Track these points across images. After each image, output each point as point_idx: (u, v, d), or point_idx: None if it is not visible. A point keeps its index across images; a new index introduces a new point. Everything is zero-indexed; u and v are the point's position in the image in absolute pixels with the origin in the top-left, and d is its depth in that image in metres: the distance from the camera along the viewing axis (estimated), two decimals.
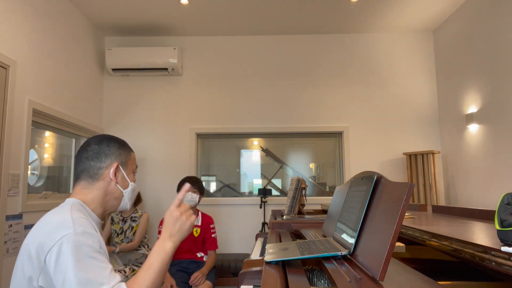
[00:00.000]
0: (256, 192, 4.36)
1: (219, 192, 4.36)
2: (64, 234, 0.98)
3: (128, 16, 3.91)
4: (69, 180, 3.83)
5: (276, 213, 2.98)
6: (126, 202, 1.26)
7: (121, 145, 1.26)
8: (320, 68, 4.33)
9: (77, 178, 1.21)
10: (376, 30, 4.28)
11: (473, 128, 3.52)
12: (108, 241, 3.49)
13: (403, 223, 1.29)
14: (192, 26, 4.14)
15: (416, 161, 3.91)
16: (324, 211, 2.88)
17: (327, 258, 0.99)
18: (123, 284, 0.98)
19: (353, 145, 4.23)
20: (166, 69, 4.15)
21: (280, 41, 4.39)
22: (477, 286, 0.92)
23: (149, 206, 4.19)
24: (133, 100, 4.33)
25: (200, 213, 3.11)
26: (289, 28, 4.21)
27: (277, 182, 4.38)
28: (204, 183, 4.36)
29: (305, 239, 1.51)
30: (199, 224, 3.05)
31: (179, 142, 4.27)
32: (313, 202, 4.17)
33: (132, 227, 3.30)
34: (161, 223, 3.04)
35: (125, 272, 3.02)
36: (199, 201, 3.00)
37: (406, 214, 1.75)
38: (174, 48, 4.10)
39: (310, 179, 4.35)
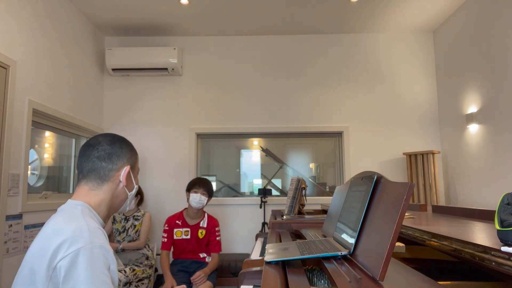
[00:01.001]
0: (256, 192, 4.36)
1: (219, 192, 4.36)
2: (81, 246, 0.95)
3: (128, 16, 3.91)
4: (69, 180, 3.83)
5: (276, 213, 2.98)
6: (127, 204, 1.25)
7: (132, 148, 1.25)
8: (320, 68, 4.33)
9: (83, 177, 1.15)
10: (376, 30, 4.28)
11: (473, 128, 3.52)
12: (109, 240, 3.49)
13: (403, 223, 1.29)
14: (192, 26, 4.15)
15: (416, 161, 3.91)
16: (324, 211, 2.88)
17: (327, 258, 0.99)
18: None
19: (353, 145, 4.23)
20: (166, 69, 4.15)
21: (280, 41, 4.39)
22: (477, 286, 0.92)
23: (149, 206, 4.19)
24: (133, 100, 4.33)
25: (206, 215, 3.11)
26: (289, 28, 4.21)
27: (277, 182, 4.38)
28: None
29: (305, 239, 1.51)
30: (205, 226, 3.05)
31: (179, 142, 4.27)
32: (313, 202, 4.17)
33: (135, 226, 3.30)
34: (167, 222, 3.04)
35: (125, 272, 3.02)
36: (206, 203, 3.01)
37: (406, 214, 1.75)
38: (174, 48, 4.11)
39: (310, 179, 4.35)
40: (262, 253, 1.87)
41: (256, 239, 2.55)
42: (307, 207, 4.08)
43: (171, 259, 3.17)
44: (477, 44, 3.45)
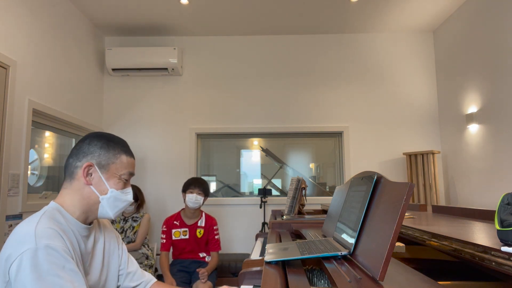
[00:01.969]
0: (256, 192, 4.36)
1: (219, 192, 4.36)
2: (25, 249, 0.92)
3: (128, 16, 3.91)
4: None
5: (276, 213, 2.98)
6: (107, 211, 1.13)
7: (107, 145, 1.14)
8: (320, 68, 4.33)
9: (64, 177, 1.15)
10: (376, 30, 4.28)
11: (473, 128, 3.52)
12: None
13: (403, 223, 1.29)
14: (192, 26, 4.14)
15: (416, 161, 3.91)
16: (324, 211, 2.88)
17: (327, 258, 0.99)
18: None
19: (353, 145, 4.23)
20: (166, 69, 4.15)
21: (280, 41, 4.39)
22: (477, 286, 0.92)
23: (149, 206, 4.19)
24: (133, 100, 4.33)
25: (203, 214, 3.10)
26: (289, 28, 4.21)
27: (277, 182, 4.38)
28: None
29: (305, 239, 1.51)
30: (203, 225, 3.05)
31: (179, 142, 4.27)
32: (313, 202, 4.17)
33: (133, 227, 3.30)
34: (165, 223, 3.04)
35: None
36: (203, 202, 3.00)
37: (406, 214, 1.75)
38: (174, 48, 4.11)
39: (310, 179, 4.35)
40: (262, 253, 1.87)
41: (256, 239, 2.55)
42: (307, 207, 4.08)
43: (171, 259, 3.16)
44: (477, 44, 3.45)
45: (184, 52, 4.38)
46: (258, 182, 4.39)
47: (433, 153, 3.77)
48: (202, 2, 3.65)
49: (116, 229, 3.32)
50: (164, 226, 3.03)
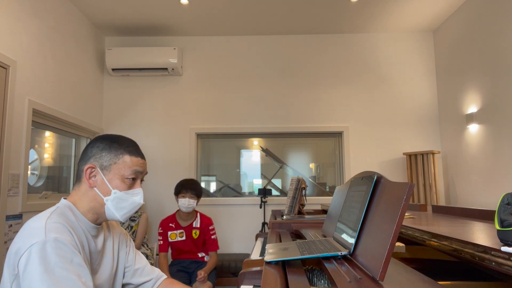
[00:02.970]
0: (256, 192, 4.35)
1: (219, 192, 4.36)
2: (34, 242, 0.93)
3: (128, 16, 3.91)
4: (69, 180, 3.83)
5: (276, 213, 2.98)
6: (113, 212, 1.12)
7: (109, 147, 1.13)
8: (320, 68, 4.33)
9: None
10: (376, 30, 4.28)
11: (473, 128, 3.52)
12: None
13: (403, 223, 1.29)
14: (192, 26, 4.15)
15: (416, 161, 3.91)
16: (324, 211, 2.88)
17: (327, 258, 0.99)
18: None
19: (353, 145, 4.23)
20: (166, 69, 4.15)
21: (280, 41, 4.39)
22: (477, 286, 0.92)
23: (149, 206, 4.19)
24: (133, 100, 4.33)
25: (198, 215, 3.09)
26: (289, 28, 4.21)
27: (277, 182, 4.38)
28: (204, 183, 4.37)
29: (305, 239, 1.51)
30: (198, 226, 3.04)
31: (179, 142, 4.27)
32: (313, 202, 4.17)
33: (131, 227, 3.30)
34: (160, 225, 3.04)
35: None
36: (196, 204, 2.99)
37: (406, 214, 1.75)
38: (174, 48, 4.11)
39: (310, 179, 4.35)
40: (262, 253, 1.86)
41: (256, 239, 2.55)
42: (307, 207, 4.08)
43: (170, 259, 3.16)
44: (477, 44, 3.45)
45: (184, 52, 4.38)
46: (258, 182, 4.39)
47: (433, 153, 3.77)
48: (202, 2, 3.65)
49: None
50: (160, 228, 3.03)
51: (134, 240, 3.29)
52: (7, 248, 2.68)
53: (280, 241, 1.60)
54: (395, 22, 4.08)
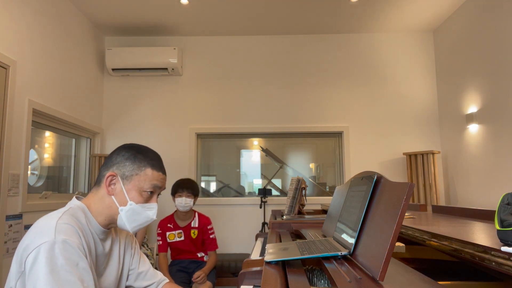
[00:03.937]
0: (256, 192, 4.35)
1: (219, 192, 4.36)
2: (43, 242, 0.94)
3: (128, 16, 3.91)
4: (69, 180, 3.83)
5: (276, 213, 2.98)
6: (125, 223, 1.12)
7: (134, 157, 1.14)
8: (320, 68, 4.33)
9: None
10: (376, 30, 4.28)
11: (473, 128, 3.52)
12: None
13: (403, 223, 1.29)
14: (192, 26, 4.14)
15: (416, 161, 3.91)
16: (324, 211, 2.88)
17: (327, 258, 0.99)
18: None
19: (353, 145, 4.23)
20: (166, 69, 4.15)
21: (280, 41, 4.39)
22: (477, 286, 0.92)
23: None
24: (133, 100, 4.33)
25: (196, 214, 3.09)
26: (289, 28, 4.21)
27: (277, 182, 4.38)
28: (204, 183, 4.37)
29: (305, 239, 1.51)
30: (196, 226, 3.03)
31: (179, 142, 4.27)
32: (313, 202, 4.17)
33: None
34: (159, 225, 3.04)
35: None
36: (193, 203, 2.98)
37: (406, 214, 1.75)
38: (174, 48, 4.11)
39: (310, 179, 4.35)
40: (262, 253, 1.86)
41: (256, 239, 2.55)
42: (307, 207, 4.08)
43: (170, 259, 3.16)
44: (477, 44, 3.45)
45: (184, 52, 4.38)
46: (258, 182, 4.39)
47: (433, 153, 3.77)
48: (202, 2, 3.65)
49: None
50: (159, 229, 3.02)
51: None
52: (7, 248, 2.68)
53: (280, 241, 1.60)
54: (395, 22, 4.08)
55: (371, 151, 4.21)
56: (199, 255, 3.05)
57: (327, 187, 4.35)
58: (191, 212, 3.06)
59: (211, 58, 4.37)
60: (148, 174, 1.14)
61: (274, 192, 4.33)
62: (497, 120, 3.17)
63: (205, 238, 3.04)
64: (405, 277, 0.78)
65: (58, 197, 3.49)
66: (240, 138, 4.40)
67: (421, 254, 1.28)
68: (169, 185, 4.19)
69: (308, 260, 1.10)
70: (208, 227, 3.04)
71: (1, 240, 2.60)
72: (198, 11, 3.81)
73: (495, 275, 0.99)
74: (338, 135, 4.35)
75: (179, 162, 4.24)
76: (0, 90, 2.63)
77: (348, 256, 0.97)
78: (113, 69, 4.13)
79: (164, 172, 1.19)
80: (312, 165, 4.39)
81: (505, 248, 0.71)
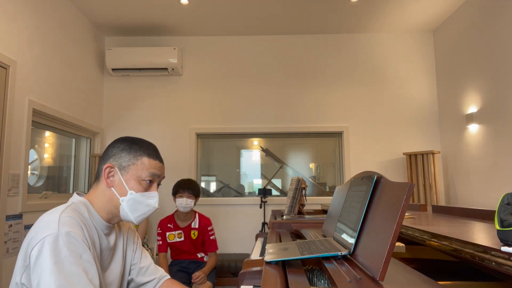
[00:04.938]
0: (256, 192, 4.35)
1: (219, 192, 4.36)
2: (47, 234, 0.95)
3: (128, 16, 3.91)
4: (69, 180, 3.83)
5: (276, 213, 2.98)
6: (128, 214, 1.13)
7: (129, 147, 1.15)
8: (320, 68, 4.33)
9: None
10: (376, 30, 4.28)
11: (473, 128, 3.52)
12: None
13: (403, 223, 1.29)
14: (192, 26, 4.15)
15: (416, 161, 3.91)
16: (324, 211, 2.88)
17: (327, 258, 0.99)
18: None
19: (353, 145, 4.23)
20: (166, 69, 4.15)
21: (280, 41, 4.39)
22: (477, 286, 0.92)
23: None
24: (133, 100, 4.33)
25: (197, 215, 3.08)
26: (289, 28, 4.21)
27: (277, 182, 4.38)
28: (204, 183, 4.37)
29: (305, 239, 1.51)
30: (196, 226, 3.02)
31: (179, 142, 4.27)
32: (313, 202, 4.17)
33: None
34: (159, 225, 3.03)
35: None
36: (194, 204, 2.98)
37: (406, 214, 1.75)
38: (174, 48, 4.11)
39: (310, 179, 4.35)
40: (262, 253, 1.86)
41: (256, 239, 2.55)
42: (307, 207, 4.08)
43: (170, 260, 3.16)
44: (477, 44, 3.45)
45: (184, 52, 4.39)
46: (258, 182, 4.39)
47: (433, 153, 3.77)
48: (202, 2, 3.65)
49: None
50: (159, 229, 3.02)
51: None
52: (7, 248, 2.68)
53: (280, 241, 1.60)
54: (395, 22, 4.08)
55: (371, 151, 4.21)
56: (199, 255, 3.05)
57: (327, 187, 4.35)
58: (192, 213, 3.05)
59: (211, 58, 4.37)
60: (145, 163, 1.15)
61: (274, 192, 4.33)
62: (497, 120, 3.17)
63: (205, 239, 3.04)
64: (405, 277, 0.78)
65: (58, 197, 3.49)
66: (240, 138, 4.40)
67: (421, 254, 1.28)
68: (170, 185, 4.19)
69: (308, 260, 1.10)
70: (209, 228, 3.03)
71: (1, 240, 2.60)
72: (198, 11, 3.81)
73: (495, 275, 0.99)
74: (338, 135, 4.35)
75: (179, 162, 4.24)
76: (0, 90, 2.63)
77: (348, 256, 0.97)
78: (113, 69, 4.13)
79: (161, 161, 1.20)
80: (312, 165, 4.39)
81: (505, 248, 0.71)
